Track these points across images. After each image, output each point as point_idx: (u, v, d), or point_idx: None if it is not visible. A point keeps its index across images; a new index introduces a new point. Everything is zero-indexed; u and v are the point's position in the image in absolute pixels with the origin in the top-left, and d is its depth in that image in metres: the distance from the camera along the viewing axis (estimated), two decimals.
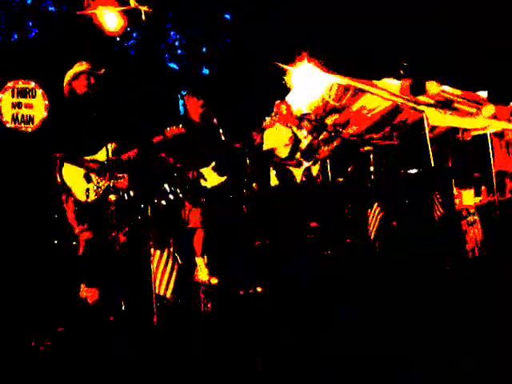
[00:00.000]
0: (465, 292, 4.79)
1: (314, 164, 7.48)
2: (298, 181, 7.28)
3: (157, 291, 4.49)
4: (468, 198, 7.96)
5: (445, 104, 8.23)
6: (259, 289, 5.26)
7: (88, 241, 4.83)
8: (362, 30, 14.40)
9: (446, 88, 8.57)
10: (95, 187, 4.83)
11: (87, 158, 4.91)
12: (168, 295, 4.78)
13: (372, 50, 13.85)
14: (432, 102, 8.16)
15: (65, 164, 4.83)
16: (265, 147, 7.26)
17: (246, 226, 6.86)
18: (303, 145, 7.37)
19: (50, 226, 6.54)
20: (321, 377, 3.19)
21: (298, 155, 7.32)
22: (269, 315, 4.48)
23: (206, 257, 5.92)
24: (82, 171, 4.85)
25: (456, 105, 8.53)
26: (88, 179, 4.86)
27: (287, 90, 8.49)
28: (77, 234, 4.86)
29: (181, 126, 5.64)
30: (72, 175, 4.84)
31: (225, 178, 6.08)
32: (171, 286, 4.86)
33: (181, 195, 5.95)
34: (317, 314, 4.42)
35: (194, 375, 3.29)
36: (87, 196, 4.77)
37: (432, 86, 7.82)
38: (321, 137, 7.96)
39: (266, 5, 15.03)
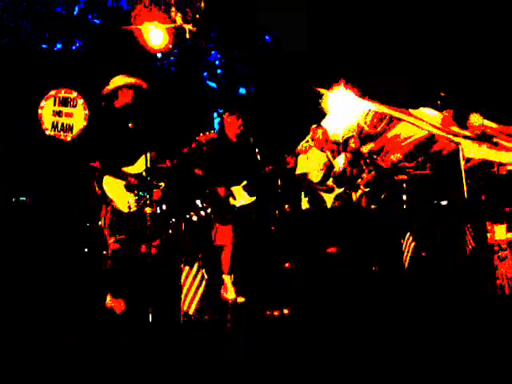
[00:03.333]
0: (489, 329, 4.70)
1: (353, 190, 7.48)
2: (329, 206, 7.27)
3: (181, 307, 4.50)
4: (500, 232, 7.84)
5: (483, 137, 8.17)
6: (286, 311, 5.24)
7: (119, 251, 4.87)
8: (399, 58, 14.41)
9: (485, 121, 8.53)
10: (136, 197, 4.88)
11: (125, 169, 4.96)
12: (191, 312, 4.79)
13: (411, 78, 13.83)
14: (469, 134, 8.12)
15: (105, 176, 4.88)
16: (298, 171, 7.28)
17: (275, 246, 6.86)
18: (337, 169, 7.37)
19: (83, 235, 6.63)
20: None
21: (330, 181, 7.33)
22: (294, 338, 4.46)
23: (233, 275, 5.93)
24: (122, 182, 4.91)
25: (493, 138, 8.47)
26: (130, 189, 4.90)
27: (323, 115, 8.54)
28: (111, 244, 4.90)
29: (212, 132, 5.66)
30: (113, 186, 4.88)
31: (254, 198, 6.10)
32: (195, 302, 4.88)
33: (210, 212, 5.98)
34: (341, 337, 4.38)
35: None
36: (129, 207, 4.81)
37: (475, 118, 7.78)
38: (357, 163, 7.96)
39: (306, 28, 15.14)
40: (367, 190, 7.82)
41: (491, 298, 5.94)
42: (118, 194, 4.86)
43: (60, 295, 5.59)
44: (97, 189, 4.86)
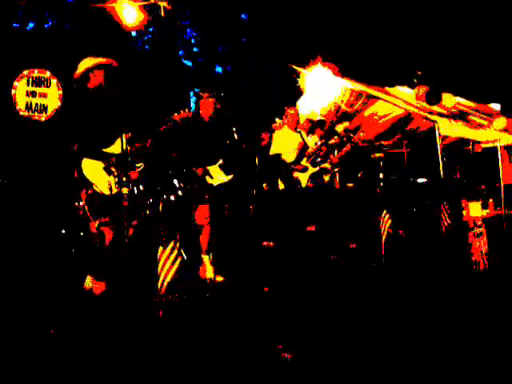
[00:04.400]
0: (465, 301, 4.79)
1: (325, 172, 7.50)
2: (304, 185, 7.29)
3: (158, 285, 4.49)
4: (475, 210, 7.96)
5: (457, 115, 8.24)
6: (265, 289, 5.27)
7: (104, 234, 4.84)
8: (376, 36, 14.41)
9: (460, 99, 8.59)
10: (117, 179, 4.84)
11: (104, 150, 4.91)
12: (162, 290, 4.78)
13: (386, 56, 13.85)
14: (445, 112, 8.17)
15: (83, 159, 4.82)
16: (272, 151, 7.27)
17: (253, 226, 6.88)
18: (311, 149, 7.38)
19: (61, 217, 6.55)
20: None
21: (304, 160, 7.33)
22: (273, 315, 4.49)
23: (211, 254, 5.94)
24: (101, 165, 4.86)
25: (468, 116, 8.54)
26: (109, 172, 4.86)
27: (301, 93, 8.51)
28: (94, 227, 4.85)
29: (187, 111, 5.63)
30: (92, 169, 4.83)
31: (231, 176, 6.09)
32: (167, 280, 4.87)
33: (188, 191, 5.96)
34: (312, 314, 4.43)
35: (194, 371, 3.30)
36: (110, 189, 4.78)
37: (447, 98, 7.84)
38: (331, 141, 7.97)
39: (283, 7, 15.04)
40: (336, 170, 7.86)
41: (467, 274, 6.03)
42: (98, 176, 4.82)
43: (36, 279, 5.54)
44: (75, 172, 4.81)
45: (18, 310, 4.49)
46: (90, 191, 4.82)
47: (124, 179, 4.84)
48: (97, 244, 4.82)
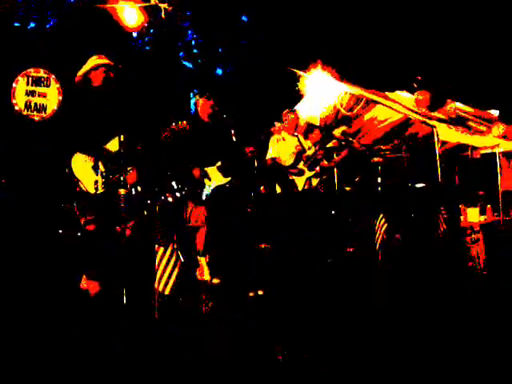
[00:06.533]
0: (460, 306, 4.79)
1: (315, 176, 7.50)
2: (300, 189, 7.29)
3: (156, 287, 4.49)
4: (473, 215, 7.95)
5: (456, 121, 8.24)
6: (260, 292, 5.27)
7: (91, 233, 4.85)
8: (376, 41, 14.43)
9: (459, 105, 8.59)
10: (104, 179, 4.84)
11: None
12: (167, 292, 4.78)
13: (386, 61, 13.87)
14: (444, 117, 8.18)
15: (75, 155, 4.83)
16: (269, 154, 7.27)
17: (250, 228, 6.88)
18: (310, 152, 7.38)
19: (57, 216, 6.55)
20: None
21: (301, 164, 7.33)
22: (269, 318, 4.49)
23: (207, 256, 5.94)
24: (90, 163, 4.85)
25: (467, 122, 8.55)
26: (97, 171, 4.86)
27: (300, 97, 8.52)
28: (82, 224, 4.87)
29: (185, 122, 5.65)
30: (81, 167, 4.84)
31: (229, 178, 6.10)
32: (171, 283, 4.87)
33: (185, 193, 5.97)
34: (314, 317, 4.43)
35: (191, 373, 3.30)
36: (96, 188, 4.78)
37: (446, 103, 7.85)
38: (329, 144, 7.97)
39: (284, 10, 15.04)
40: (324, 177, 7.84)
41: (463, 279, 6.03)
42: (85, 174, 4.81)
43: (34, 278, 5.54)
44: (66, 169, 4.81)
45: (15, 311, 4.49)
46: (77, 188, 4.82)
47: (115, 179, 4.83)
48: (85, 242, 4.83)
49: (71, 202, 5.00)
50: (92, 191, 4.80)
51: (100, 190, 4.81)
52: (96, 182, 4.80)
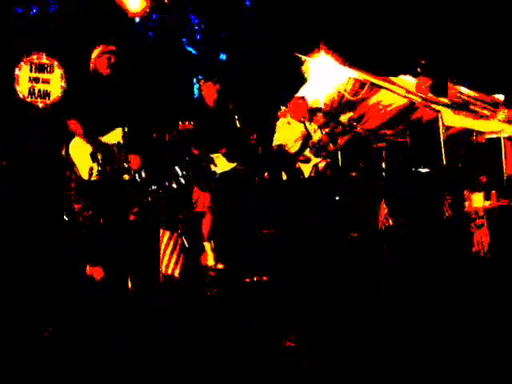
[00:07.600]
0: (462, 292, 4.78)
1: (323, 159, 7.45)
2: (307, 176, 7.25)
3: (164, 271, 4.51)
4: (477, 200, 7.94)
5: (461, 105, 8.21)
6: (264, 277, 5.28)
7: (88, 218, 4.84)
8: (381, 25, 14.34)
9: (463, 89, 8.55)
10: (99, 167, 4.80)
11: (101, 138, 4.90)
12: (176, 274, 4.80)
13: (390, 45, 13.78)
14: (448, 102, 8.14)
15: (73, 140, 4.81)
16: (275, 142, 7.22)
17: (255, 214, 6.88)
18: (316, 137, 7.33)
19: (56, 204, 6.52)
20: None
21: (307, 151, 7.28)
22: (272, 304, 4.50)
23: (213, 241, 5.95)
24: (89, 149, 4.83)
25: (472, 107, 8.50)
26: (94, 158, 4.83)
27: (304, 81, 8.47)
28: (78, 210, 4.86)
29: (192, 122, 5.63)
30: (79, 152, 4.82)
31: (234, 164, 6.08)
32: (179, 266, 4.88)
33: (191, 179, 5.97)
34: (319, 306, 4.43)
35: (195, 360, 3.31)
36: (90, 175, 4.74)
37: (450, 87, 7.81)
38: (335, 130, 7.93)
39: None
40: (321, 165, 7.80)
41: (467, 264, 6.03)
42: (82, 160, 4.79)
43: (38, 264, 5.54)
44: (63, 153, 4.80)
45: (14, 308, 4.49)
46: (73, 175, 4.81)
47: (121, 166, 4.81)
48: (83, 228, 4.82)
49: (66, 187, 4.97)
50: (86, 177, 4.77)
51: (94, 178, 4.76)
52: (91, 169, 4.77)
